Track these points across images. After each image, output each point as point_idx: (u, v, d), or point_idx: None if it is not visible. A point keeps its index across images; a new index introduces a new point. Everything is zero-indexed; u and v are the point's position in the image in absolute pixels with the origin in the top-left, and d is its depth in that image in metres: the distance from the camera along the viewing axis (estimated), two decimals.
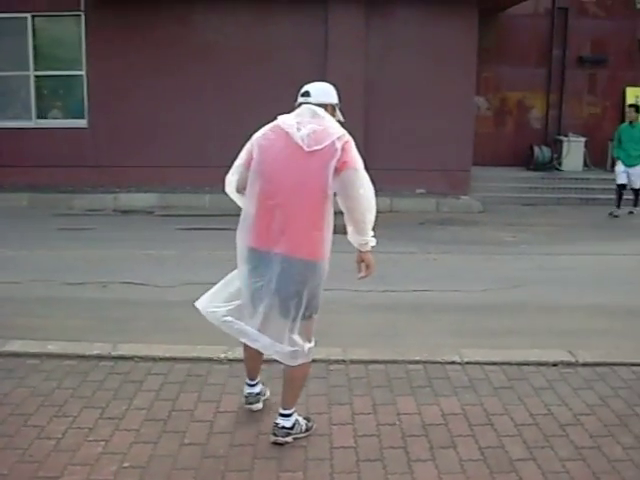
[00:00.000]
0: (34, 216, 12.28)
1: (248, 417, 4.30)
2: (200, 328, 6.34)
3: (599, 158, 16.19)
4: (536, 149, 16.01)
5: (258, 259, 3.85)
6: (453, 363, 5.12)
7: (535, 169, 15.90)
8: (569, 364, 5.17)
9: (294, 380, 3.98)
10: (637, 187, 13.17)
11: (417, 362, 5.11)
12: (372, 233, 3.92)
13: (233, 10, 13.71)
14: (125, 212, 12.81)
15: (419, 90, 13.46)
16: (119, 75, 13.73)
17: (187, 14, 13.81)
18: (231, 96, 13.71)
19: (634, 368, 5.13)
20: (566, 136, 16.17)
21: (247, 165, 3.92)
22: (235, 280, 4.13)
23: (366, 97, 13.25)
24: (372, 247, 3.95)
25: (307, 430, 4.06)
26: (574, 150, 16.01)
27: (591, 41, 16.54)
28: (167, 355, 5.20)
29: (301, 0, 13.57)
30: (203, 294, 4.42)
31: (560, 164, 16.10)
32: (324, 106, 3.93)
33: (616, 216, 12.94)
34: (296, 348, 3.82)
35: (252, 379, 4.34)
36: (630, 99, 16.25)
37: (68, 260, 8.89)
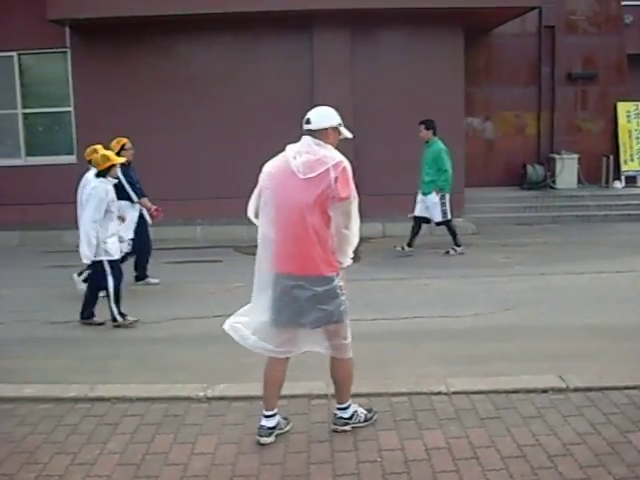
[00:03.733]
0: (24, 254, 12.19)
1: (223, 459, 4.14)
2: (182, 365, 6.24)
3: (593, 174, 16.07)
4: (529, 168, 15.91)
5: (282, 283, 4.17)
6: (439, 394, 4.96)
7: (529, 188, 15.79)
8: (559, 390, 5.01)
9: (339, 379, 4.43)
10: (437, 220, 10.93)
11: (402, 394, 4.95)
12: (351, 255, 4.33)
13: (218, 41, 13.71)
14: None
15: (407, 113, 13.33)
16: (107, 110, 13.66)
17: (172, 47, 13.81)
18: (220, 127, 13.66)
19: (627, 392, 4.96)
20: (559, 154, 16.07)
21: (260, 192, 4.24)
22: (260, 304, 4.37)
23: (355, 123, 13.12)
24: (347, 266, 4.34)
25: (366, 420, 4.50)
26: (568, 167, 15.90)
27: (580, 57, 16.48)
28: (144, 395, 5.05)
29: (286, 28, 13.54)
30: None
31: (554, 182, 15.99)
32: (324, 130, 4.20)
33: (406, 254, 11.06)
34: (327, 344, 4.30)
35: (268, 409, 4.39)
36: (622, 114, 16.20)
37: (54, 298, 8.75)
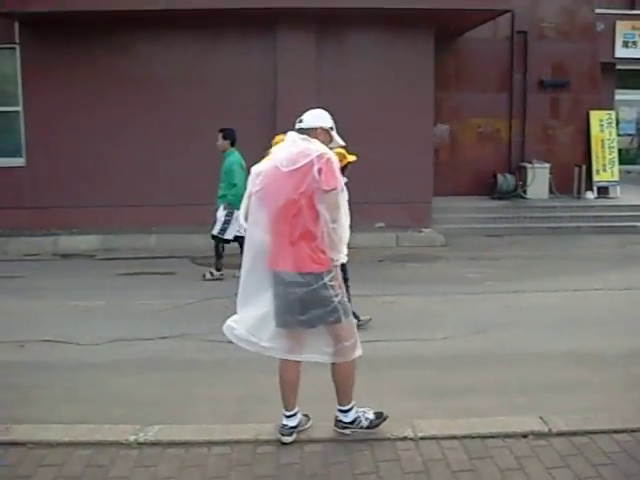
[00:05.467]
0: None
1: None
2: (118, 397, 5.56)
3: (565, 185, 15.63)
4: (500, 177, 15.42)
5: (276, 280, 4.12)
6: (405, 439, 4.33)
7: (499, 198, 15.30)
8: (541, 434, 4.40)
9: (338, 381, 4.28)
10: (216, 233, 9.77)
11: (362, 441, 4.31)
12: (345, 252, 4.14)
13: (178, 40, 12.99)
14: (65, 256, 11.91)
15: (374, 119, 12.79)
16: (58, 110, 12.89)
17: (128, 44, 13.03)
18: (178, 130, 12.92)
19: (616, 436, 4.38)
20: (530, 163, 15.62)
21: (249, 194, 4.20)
22: (259, 304, 4.25)
23: None
24: (342, 261, 4.17)
25: (370, 427, 4.34)
26: (539, 177, 15.45)
27: (552, 64, 16.05)
28: (66, 439, 4.35)
29: (249, 27, 12.87)
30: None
31: (525, 192, 15.53)
32: (314, 129, 4.22)
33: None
34: (330, 350, 4.18)
35: (288, 409, 4.29)
36: (594, 123, 15.79)
37: None
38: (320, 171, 3.95)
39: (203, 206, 12.89)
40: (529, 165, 15.58)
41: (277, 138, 6.99)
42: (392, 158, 12.83)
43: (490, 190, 15.55)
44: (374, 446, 4.26)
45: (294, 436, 4.28)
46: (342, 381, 4.28)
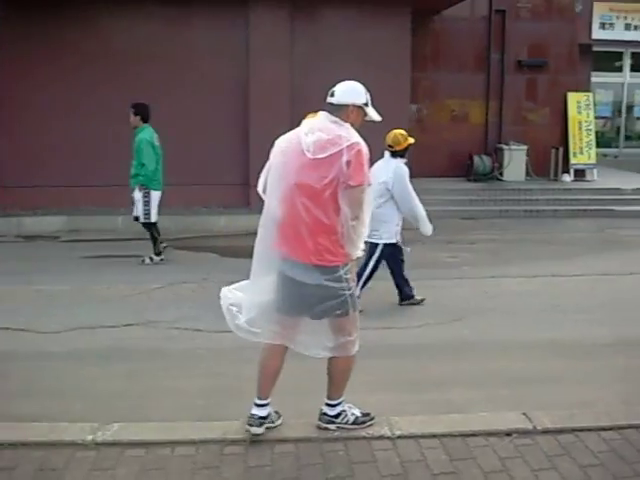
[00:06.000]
0: None
1: None
2: (79, 390, 5.25)
3: (542, 167, 15.43)
4: (476, 159, 15.18)
5: (284, 267, 3.86)
6: (382, 438, 4.07)
7: (475, 180, 15.09)
8: (525, 432, 4.16)
9: (334, 375, 4.05)
10: (142, 220, 9.41)
11: (336, 439, 4.04)
12: (362, 247, 3.93)
13: (145, 13, 12.50)
14: (29, 238, 11.47)
15: None
16: (20, 86, 12.37)
17: (92, 17, 12.46)
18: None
19: (604, 434, 4.15)
20: (507, 144, 15.39)
21: (269, 167, 3.92)
22: (259, 286, 3.98)
23: (292, 106, 12.17)
24: (357, 257, 3.97)
25: (356, 423, 4.10)
26: (516, 159, 15.24)
27: (530, 45, 15.80)
28: (17, 439, 4.03)
29: (220, 2, 12.44)
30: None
31: (501, 174, 15.32)
32: (346, 107, 3.87)
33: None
34: (331, 344, 3.93)
35: (261, 397, 4.04)
36: (572, 105, 15.60)
37: None
38: (349, 164, 3.69)
39: (170, 186, 12.57)
40: (506, 147, 15.35)
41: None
42: (365, 139, 12.50)
43: (466, 172, 15.32)
44: (349, 446, 3.99)
45: (263, 428, 4.01)
46: (338, 375, 4.07)
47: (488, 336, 6.48)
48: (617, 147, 19.45)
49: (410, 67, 13.07)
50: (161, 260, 9.41)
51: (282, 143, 3.92)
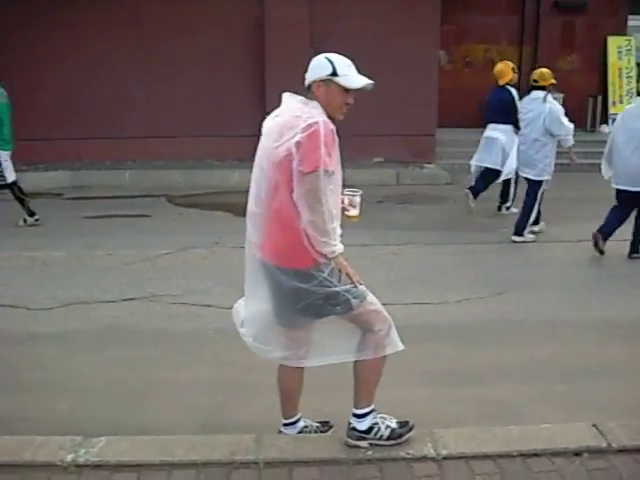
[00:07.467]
0: None
1: None
2: (67, 383, 4.55)
3: (578, 117, 14.32)
4: None
5: (265, 271, 3.32)
6: (425, 459, 3.32)
7: None
8: (598, 451, 3.40)
9: (361, 376, 3.37)
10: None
11: (369, 461, 3.31)
12: (334, 242, 3.16)
13: None
14: (30, 196, 10.63)
15: (374, 42, 11.53)
16: (25, 35, 11.52)
17: None
18: (154, 58, 11.62)
19: None
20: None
21: None
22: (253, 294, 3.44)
23: (312, 49, 11.21)
24: (339, 253, 3.19)
25: (392, 438, 3.40)
26: None
27: None
28: None
29: None
30: None
31: None
32: (310, 86, 3.27)
33: None
34: (354, 345, 3.31)
35: (287, 417, 3.59)
36: (612, 50, 14.48)
37: None
38: (299, 146, 3.06)
39: (183, 138, 11.79)
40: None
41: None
42: (392, 85, 11.55)
43: None
44: (385, 470, 3.26)
45: None
46: (365, 379, 3.40)
47: (535, 315, 5.70)
48: None
49: (440, 11, 12.05)
50: (36, 220, 8.63)
51: (266, 122, 3.36)
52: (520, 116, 8.28)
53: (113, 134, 11.62)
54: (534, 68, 14.43)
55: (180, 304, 5.85)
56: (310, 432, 3.61)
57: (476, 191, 8.96)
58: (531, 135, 7.82)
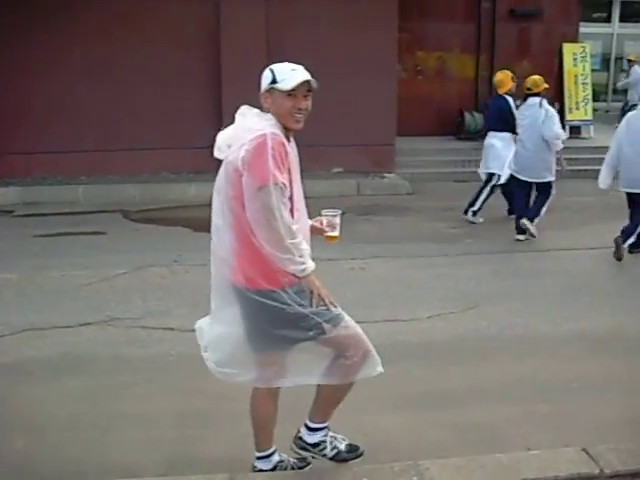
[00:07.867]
0: None
1: None
2: (21, 416, 4.25)
3: None
4: (467, 115, 14.11)
5: (235, 293, 3.13)
6: None
7: (466, 138, 13.99)
8: (591, 478, 3.25)
9: (324, 393, 3.27)
10: None
11: None
12: (299, 260, 2.98)
13: None
14: None
15: (331, 50, 11.32)
16: None
17: None
18: (108, 69, 11.23)
19: None
20: None
21: None
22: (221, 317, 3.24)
23: (269, 59, 11.00)
24: (311, 270, 3.04)
25: (333, 459, 3.38)
26: None
27: None
28: None
29: None
30: None
31: None
32: (261, 98, 3.14)
33: None
34: (322, 368, 3.17)
35: (261, 449, 3.37)
36: (567, 57, 14.54)
37: None
38: (244, 161, 2.92)
39: (138, 151, 11.46)
40: None
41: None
42: (350, 94, 11.46)
43: (456, 130, 14.28)
44: None
45: None
46: (326, 397, 3.31)
47: (508, 329, 5.56)
48: (606, 101, 18.50)
49: (397, 18, 11.94)
50: None
51: (218, 135, 3.23)
52: (518, 122, 8.56)
53: (65, 148, 11.22)
54: (491, 75, 14.58)
55: (140, 328, 5.56)
56: (286, 468, 3.40)
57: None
58: (530, 140, 8.09)
